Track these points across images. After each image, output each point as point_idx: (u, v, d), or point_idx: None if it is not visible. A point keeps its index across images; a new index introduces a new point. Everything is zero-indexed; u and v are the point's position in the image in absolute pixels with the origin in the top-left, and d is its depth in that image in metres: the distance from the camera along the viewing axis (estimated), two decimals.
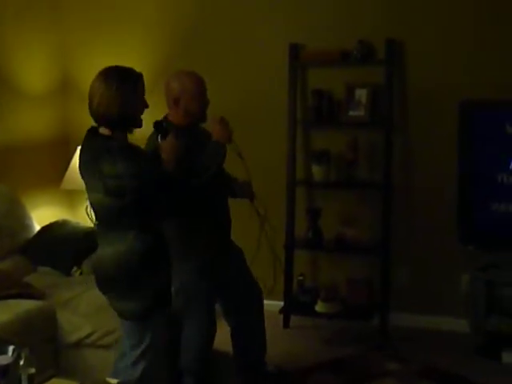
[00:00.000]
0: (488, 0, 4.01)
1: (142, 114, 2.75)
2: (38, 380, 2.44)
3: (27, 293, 3.59)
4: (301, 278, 4.39)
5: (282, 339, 4.14)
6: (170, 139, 2.83)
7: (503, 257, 3.90)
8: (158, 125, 2.91)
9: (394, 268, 4.30)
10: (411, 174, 4.28)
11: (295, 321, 4.37)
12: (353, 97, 4.23)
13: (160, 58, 4.67)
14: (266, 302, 3.50)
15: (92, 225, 4.51)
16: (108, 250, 2.73)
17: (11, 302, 3.47)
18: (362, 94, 4.21)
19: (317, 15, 4.32)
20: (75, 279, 3.97)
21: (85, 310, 3.53)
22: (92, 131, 2.75)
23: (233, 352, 3.49)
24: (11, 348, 2.45)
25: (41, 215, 4.58)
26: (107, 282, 2.77)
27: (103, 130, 2.71)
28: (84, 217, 4.67)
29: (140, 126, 2.76)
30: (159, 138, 2.89)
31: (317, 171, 4.25)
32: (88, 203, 4.39)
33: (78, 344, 3.50)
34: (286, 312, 4.35)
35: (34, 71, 4.72)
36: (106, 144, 2.66)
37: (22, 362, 2.37)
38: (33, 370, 2.38)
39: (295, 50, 4.30)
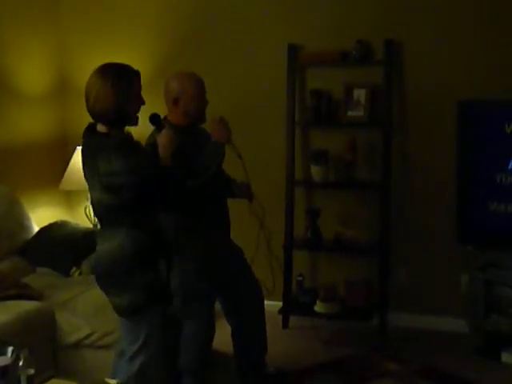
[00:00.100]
0: (487, 2, 4.01)
1: (138, 111, 2.75)
2: (38, 381, 2.44)
3: (26, 294, 3.59)
4: (300, 278, 4.39)
5: (281, 340, 4.13)
6: (166, 131, 2.81)
7: (502, 256, 3.90)
8: (153, 117, 2.90)
9: (393, 268, 4.31)
10: (410, 174, 4.28)
11: (294, 321, 4.37)
12: (351, 97, 4.23)
13: (159, 58, 4.67)
14: (265, 302, 3.50)
15: (91, 225, 4.52)
16: (104, 246, 2.76)
17: (10, 302, 3.47)
18: (360, 94, 4.21)
19: (315, 16, 4.32)
20: (74, 280, 3.96)
21: (84, 311, 3.53)
22: (90, 129, 2.76)
23: (233, 352, 3.49)
24: (10, 349, 2.45)
25: (40, 216, 4.57)
26: (104, 278, 2.80)
27: (100, 128, 2.72)
28: (83, 217, 4.68)
29: (136, 123, 2.76)
30: (155, 131, 2.89)
31: (316, 171, 4.25)
32: (88, 203, 4.43)
33: (77, 345, 3.50)
34: (285, 312, 4.35)
35: (33, 72, 4.72)
36: (102, 142, 2.67)
37: (21, 363, 2.37)
38: (32, 371, 2.38)
39: (294, 51, 4.30)
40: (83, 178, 2.79)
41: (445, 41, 4.10)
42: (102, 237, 2.80)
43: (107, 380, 2.77)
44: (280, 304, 4.32)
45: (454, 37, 4.09)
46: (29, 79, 4.67)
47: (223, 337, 3.44)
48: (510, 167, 3.82)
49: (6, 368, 2.34)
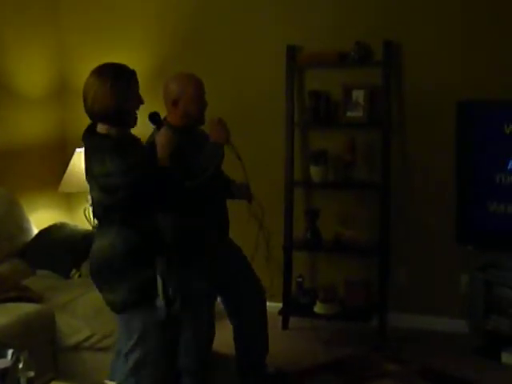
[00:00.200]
0: (486, 2, 4.01)
1: (137, 109, 2.75)
2: (38, 383, 2.44)
3: (26, 296, 3.59)
4: (299, 279, 4.39)
5: (281, 340, 4.13)
6: (165, 131, 2.81)
7: (502, 257, 3.90)
8: (152, 115, 2.90)
9: (393, 268, 4.31)
10: (409, 174, 4.28)
11: (294, 322, 4.37)
12: (350, 98, 4.23)
13: (158, 59, 4.67)
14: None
15: (90, 227, 4.52)
16: (97, 244, 2.80)
17: (10, 305, 3.47)
18: (359, 95, 4.22)
19: (314, 17, 4.32)
20: (74, 282, 3.96)
21: (83, 313, 3.53)
22: (89, 130, 2.76)
23: (235, 352, 3.49)
24: (10, 351, 2.45)
25: (39, 218, 4.57)
26: (96, 275, 2.82)
27: (100, 128, 2.72)
28: (82, 219, 4.68)
29: (135, 122, 2.76)
30: (154, 129, 2.89)
31: (315, 172, 4.25)
32: (87, 205, 4.44)
33: (77, 347, 3.49)
34: (284, 313, 4.35)
35: (33, 73, 4.72)
36: (99, 143, 2.68)
37: (21, 366, 2.37)
38: (32, 374, 2.38)
39: (292, 52, 4.31)
40: (82, 180, 2.81)
41: (444, 41, 4.11)
42: (96, 234, 2.84)
43: (107, 382, 2.78)
44: (280, 305, 4.33)
45: (452, 37, 4.09)
46: (28, 80, 4.67)
47: (223, 337, 3.44)
48: (509, 167, 3.82)
49: (5, 370, 2.34)
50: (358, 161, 4.26)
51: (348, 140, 4.22)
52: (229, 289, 3.36)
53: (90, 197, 2.90)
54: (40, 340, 3.39)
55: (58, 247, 4.10)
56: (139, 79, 2.76)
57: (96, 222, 2.98)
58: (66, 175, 4.57)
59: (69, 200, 4.95)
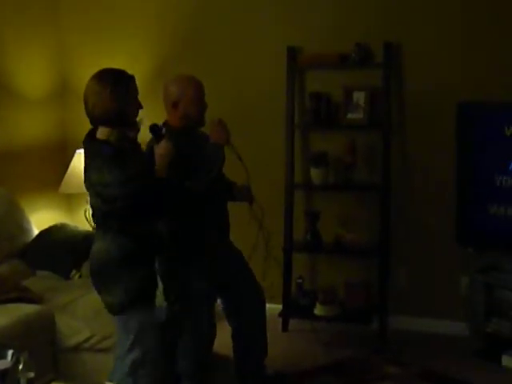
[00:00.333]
0: (486, 2, 4.01)
1: (136, 114, 2.80)
2: None
3: (26, 297, 3.59)
4: (299, 280, 4.39)
5: (281, 342, 4.13)
6: (165, 143, 2.83)
7: (502, 259, 3.90)
8: (153, 128, 2.91)
9: (393, 270, 4.30)
10: (409, 176, 4.28)
11: (294, 324, 4.37)
12: (351, 99, 4.23)
13: (158, 59, 4.67)
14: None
15: (91, 228, 4.52)
16: (95, 247, 2.84)
17: (10, 306, 3.47)
18: (360, 97, 4.22)
19: (315, 18, 4.33)
20: (74, 283, 3.96)
21: (84, 314, 3.53)
22: (90, 135, 2.78)
23: (233, 354, 3.48)
24: (10, 352, 2.45)
25: (39, 219, 4.57)
26: (94, 277, 2.86)
27: (101, 132, 2.74)
28: (82, 220, 4.67)
29: (134, 126, 2.81)
30: (154, 141, 2.90)
31: (315, 174, 4.25)
32: (88, 206, 4.43)
33: (77, 348, 3.49)
34: (284, 315, 4.35)
35: (33, 73, 4.72)
36: (98, 150, 2.71)
37: (21, 366, 2.37)
38: (32, 374, 2.37)
39: (293, 53, 4.31)
40: (83, 181, 2.82)
41: (444, 43, 4.11)
42: (95, 237, 2.88)
43: (106, 383, 2.78)
44: (280, 307, 4.32)
45: (453, 38, 4.09)
46: (28, 80, 4.66)
47: (223, 339, 3.44)
48: (510, 169, 3.81)
49: (5, 371, 2.34)
50: (359, 162, 4.26)
51: (348, 142, 4.22)
52: (228, 290, 3.36)
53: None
54: (40, 341, 3.39)
55: (59, 248, 4.10)
56: (139, 80, 2.78)
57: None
58: (66, 176, 4.57)
59: (69, 201, 4.95)
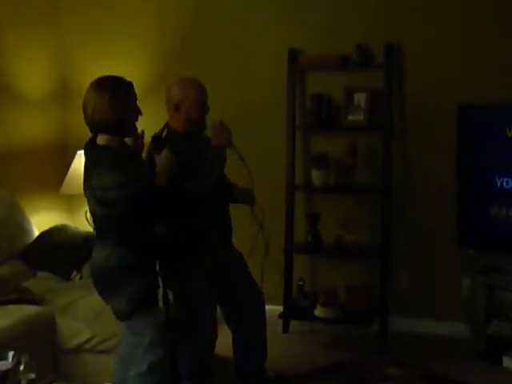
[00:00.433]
0: (486, 3, 4.01)
1: (136, 120, 2.83)
2: None
3: (27, 298, 3.59)
4: (300, 282, 4.39)
5: (282, 344, 4.13)
6: (165, 153, 2.86)
7: (503, 261, 3.90)
8: (155, 138, 2.94)
9: (394, 272, 4.30)
10: (410, 177, 4.28)
11: (294, 325, 4.36)
12: (352, 101, 4.23)
13: (159, 60, 4.67)
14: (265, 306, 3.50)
15: (91, 229, 4.51)
16: (95, 256, 2.87)
17: (11, 307, 3.47)
18: (360, 99, 4.22)
19: (315, 20, 4.33)
20: (75, 284, 3.96)
21: (84, 315, 3.52)
22: (91, 141, 2.82)
23: (233, 357, 3.48)
24: (11, 353, 2.45)
25: (40, 220, 4.57)
26: (96, 284, 2.90)
27: (100, 140, 2.77)
28: (83, 221, 4.66)
29: (135, 132, 2.85)
30: (155, 151, 2.93)
31: (316, 175, 4.25)
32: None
33: (78, 349, 3.49)
34: (285, 317, 4.35)
35: (33, 74, 4.72)
36: (98, 155, 2.75)
37: (21, 368, 2.37)
38: (33, 376, 2.38)
39: (294, 55, 4.31)
40: (82, 187, 2.84)
41: (445, 44, 4.11)
42: (95, 245, 2.90)
43: None
44: (280, 308, 4.32)
45: (453, 40, 4.09)
46: (29, 81, 4.66)
47: (223, 341, 3.43)
48: (511, 171, 3.81)
49: (6, 373, 2.34)
50: (359, 164, 4.26)
51: (349, 143, 4.22)
52: (228, 293, 3.35)
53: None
54: (41, 342, 3.39)
55: (59, 249, 4.10)
56: (139, 81, 2.81)
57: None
58: (67, 177, 4.57)
59: (70, 202, 4.95)
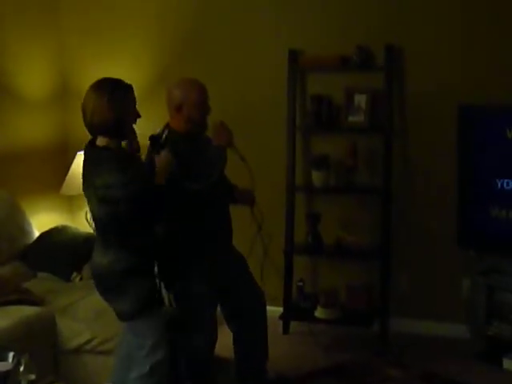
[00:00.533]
0: (486, 4, 4.01)
1: (134, 123, 2.84)
2: None
3: (27, 299, 3.59)
4: (300, 283, 4.38)
5: (282, 345, 4.13)
6: (165, 153, 2.87)
7: (503, 262, 3.90)
8: (153, 139, 2.94)
9: (394, 273, 4.30)
10: (411, 179, 4.28)
11: (295, 326, 4.36)
12: (352, 102, 4.23)
13: (159, 61, 4.67)
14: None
15: (91, 230, 4.51)
16: (96, 259, 2.87)
17: (11, 308, 3.47)
18: (361, 100, 4.22)
19: (316, 21, 4.33)
20: (75, 285, 3.96)
21: (85, 316, 3.52)
22: (90, 143, 2.84)
23: (234, 358, 3.48)
24: (11, 354, 2.45)
25: (40, 221, 4.57)
26: (98, 286, 2.92)
27: (100, 142, 2.79)
28: (83, 222, 4.67)
29: (133, 135, 2.86)
30: (154, 152, 2.93)
31: (316, 177, 4.25)
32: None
33: (78, 350, 3.49)
34: (285, 318, 4.34)
35: (34, 75, 4.71)
36: (99, 155, 2.76)
37: (22, 369, 2.37)
38: (33, 377, 2.38)
39: (294, 56, 4.31)
40: (82, 189, 2.84)
41: (445, 45, 4.11)
42: (96, 247, 2.90)
43: None
44: (280, 309, 4.32)
45: (453, 41, 4.09)
46: (29, 83, 4.66)
47: (224, 342, 3.43)
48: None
49: (7, 373, 2.35)
50: (360, 165, 4.26)
51: (350, 144, 4.22)
52: (229, 293, 3.35)
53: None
54: (41, 343, 3.39)
55: (59, 250, 4.10)
56: (139, 82, 2.80)
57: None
58: (67, 178, 4.57)
59: (70, 203, 4.95)
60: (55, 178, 4.69)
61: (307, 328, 4.20)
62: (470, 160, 3.91)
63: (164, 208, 2.87)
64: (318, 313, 4.20)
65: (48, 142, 4.83)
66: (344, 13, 4.28)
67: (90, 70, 4.58)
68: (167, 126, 3.14)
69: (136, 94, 2.87)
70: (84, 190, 2.83)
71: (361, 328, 4.21)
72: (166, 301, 3.07)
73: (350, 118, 4.23)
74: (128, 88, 2.80)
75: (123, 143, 2.87)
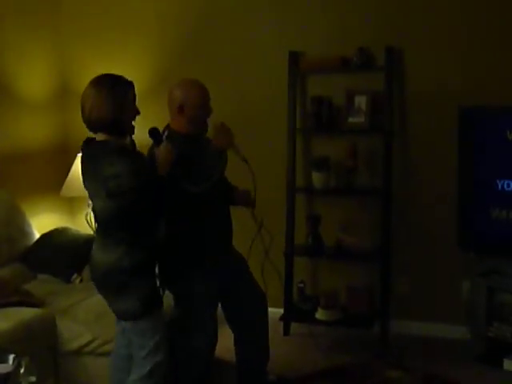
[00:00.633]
0: (487, 6, 4.01)
1: (133, 120, 2.81)
2: None
3: (27, 301, 3.59)
4: (301, 285, 4.38)
5: (282, 347, 4.12)
6: (165, 145, 2.85)
7: (504, 263, 3.90)
8: (152, 132, 2.92)
9: (395, 275, 4.30)
10: (411, 180, 4.28)
11: (295, 328, 4.36)
12: (352, 104, 4.23)
13: (160, 64, 4.68)
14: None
15: (92, 232, 4.52)
16: (103, 257, 2.81)
17: (11, 310, 3.47)
18: (361, 101, 4.22)
19: (316, 23, 4.33)
20: (75, 286, 3.96)
21: (85, 318, 3.52)
22: (88, 140, 2.81)
23: (235, 359, 3.48)
24: (11, 356, 2.45)
25: (41, 222, 4.57)
26: (101, 286, 2.88)
27: (99, 137, 2.76)
28: (84, 224, 4.67)
29: (132, 132, 2.83)
30: (154, 145, 2.92)
31: (317, 178, 4.25)
32: (89, 210, 4.43)
33: (79, 352, 3.49)
34: (286, 319, 4.34)
35: (34, 77, 4.72)
36: (103, 148, 2.72)
37: (22, 371, 2.38)
38: (33, 379, 2.38)
39: (295, 58, 4.31)
40: (83, 187, 2.82)
41: (445, 47, 4.11)
42: (99, 244, 2.85)
43: None
44: (281, 311, 4.32)
45: (454, 43, 4.09)
46: (30, 84, 4.67)
47: (224, 344, 3.43)
48: None
49: (7, 375, 2.35)
50: (360, 167, 4.26)
51: (350, 146, 4.23)
52: (229, 294, 3.35)
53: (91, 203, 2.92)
54: (41, 345, 3.39)
55: (60, 252, 4.10)
56: (140, 83, 2.79)
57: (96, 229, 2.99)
58: (67, 179, 4.57)
59: (71, 204, 4.95)
60: (55, 179, 4.70)
61: (308, 329, 4.20)
62: (470, 161, 3.90)
63: (165, 202, 2.84)
64: (319, 314, 4.20)
65: (48, 143, 4.84)
66: (344, 15, 4.28)
67: (90, 72, 4.51)
68: (167, 127, 3.14)
69: (136, 94, 2.86)
70: (87, 186, 2.79)
71: (361, 330, 4.21)
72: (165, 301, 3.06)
73: (351, 120, 4.24)
74: (128, 84, 2.78)
75: (127, 141, 2.86)
